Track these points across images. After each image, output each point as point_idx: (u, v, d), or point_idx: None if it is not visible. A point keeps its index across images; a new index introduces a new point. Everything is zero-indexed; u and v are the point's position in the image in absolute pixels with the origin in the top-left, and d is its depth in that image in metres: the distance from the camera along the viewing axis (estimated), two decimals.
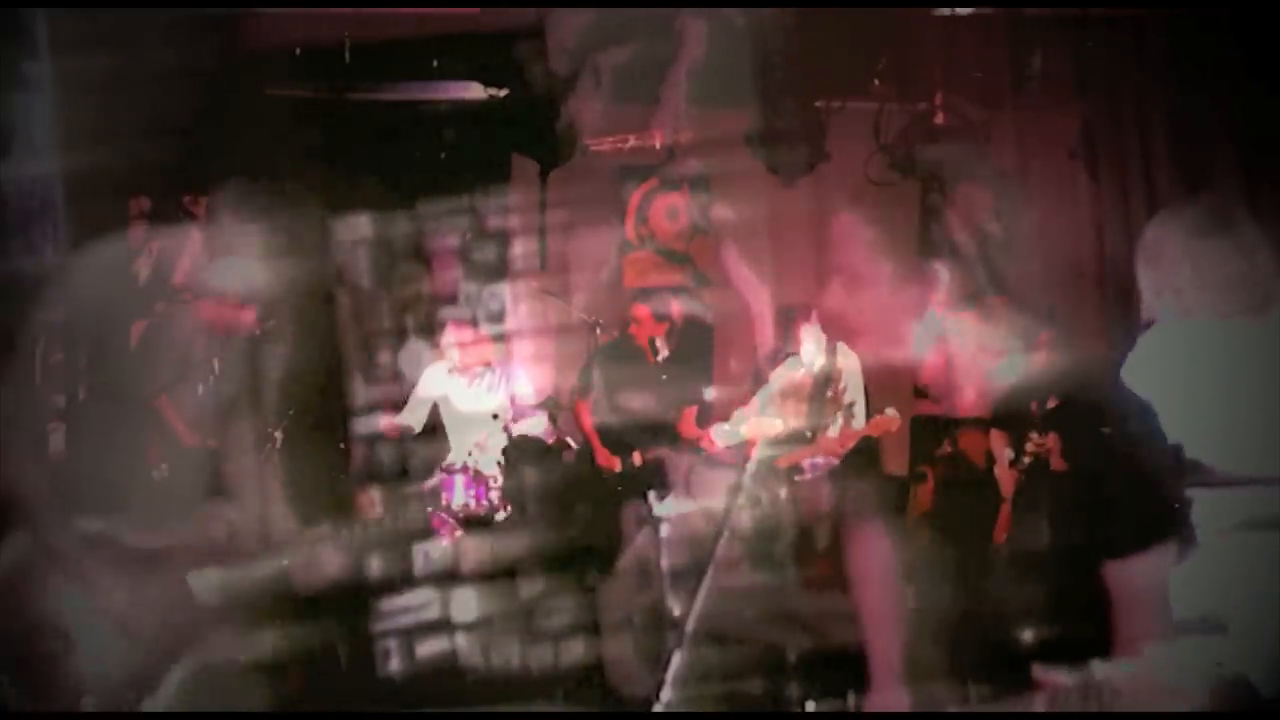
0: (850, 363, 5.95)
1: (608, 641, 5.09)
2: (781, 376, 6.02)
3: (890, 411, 5.74)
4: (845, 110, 6.88)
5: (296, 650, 2.76)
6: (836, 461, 5.89)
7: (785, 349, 6.17)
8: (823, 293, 1.95)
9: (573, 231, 7.32)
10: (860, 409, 5.93)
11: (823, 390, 5.94)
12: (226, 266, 2.56)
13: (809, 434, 5.86)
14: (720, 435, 5.95)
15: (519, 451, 6.00)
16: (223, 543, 2.59)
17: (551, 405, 6.51)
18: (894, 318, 1.96)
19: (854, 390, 5.96)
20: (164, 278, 2.44)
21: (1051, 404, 5.49)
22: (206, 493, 2.67)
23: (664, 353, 6.36)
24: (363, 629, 5.16)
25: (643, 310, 6.55)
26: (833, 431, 5.86)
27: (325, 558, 2.71)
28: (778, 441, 5.76)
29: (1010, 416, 5.85)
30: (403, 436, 6.34)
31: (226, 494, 2.70)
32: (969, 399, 2.02)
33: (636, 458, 6.17)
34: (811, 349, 5.95)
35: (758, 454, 5.60)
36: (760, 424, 5.88)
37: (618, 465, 6.22)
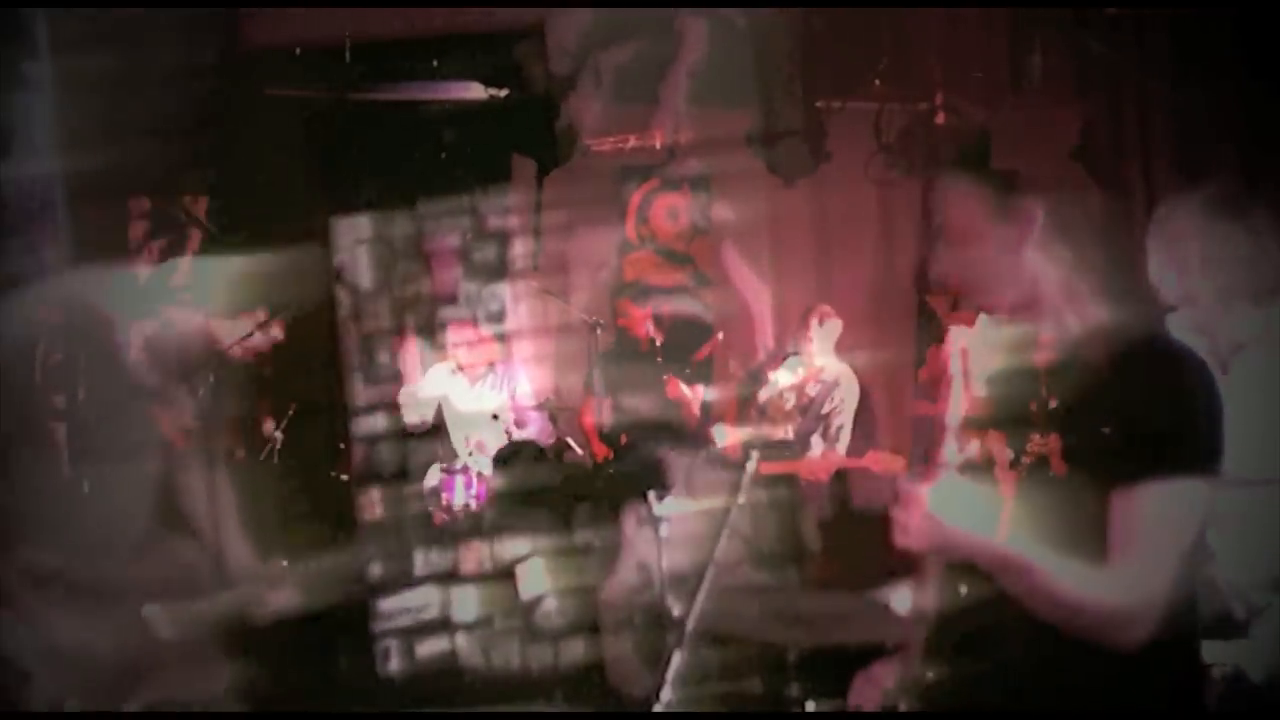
0: (847, 381, 5.92)
1: (608, 641, 5.09)
2: (777, 382, 6.02)
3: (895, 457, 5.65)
4: (845, 110, 6.87)
5: (260, 686, 2.72)
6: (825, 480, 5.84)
7: (788, 349, 6.17)
8: (931, 257, 1.94)
9: (573, 231, 7.32)
10: (846, 433, 5.91)
11: (816, 408, 5.93)
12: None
13: (793, 449, 5.85)
14: (719, 435, 5.96)
15: (513, 455, 6.02)
16: (178, 576, 2.55)
17: (551, 405, 6.52)
18: (1000, 265, 1.96)
19: (845, 412, 5.93)
20: (164, 278, 2.43)
21: (1052, 404, 5.47)
22: (161, 524, 2.62)
23: (658, 339, 6.37)
24: (363, 629, 5.16)
25: (628, 306, 6.59)
26: (814, 452, 5.85)
27: (286, 593, 2.67)
28: (769, 446, 5.76)
29: (1010, 417, 5.83)
30: (416, 431, 6.34)
31: (184, 525, 2.65)
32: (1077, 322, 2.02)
33: (622, 439, 6.17)
34: (817, 350, 5.95)
35: (756, 455, 5.58)
36: (753, 426, 5.88)
37: (611, 454, 6.23)
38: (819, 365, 5.95)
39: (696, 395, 6.16)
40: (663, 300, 6.96)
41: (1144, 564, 1.82)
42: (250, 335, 2.88)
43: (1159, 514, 1.81)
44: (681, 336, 6.66)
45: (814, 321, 5.99)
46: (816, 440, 5.88)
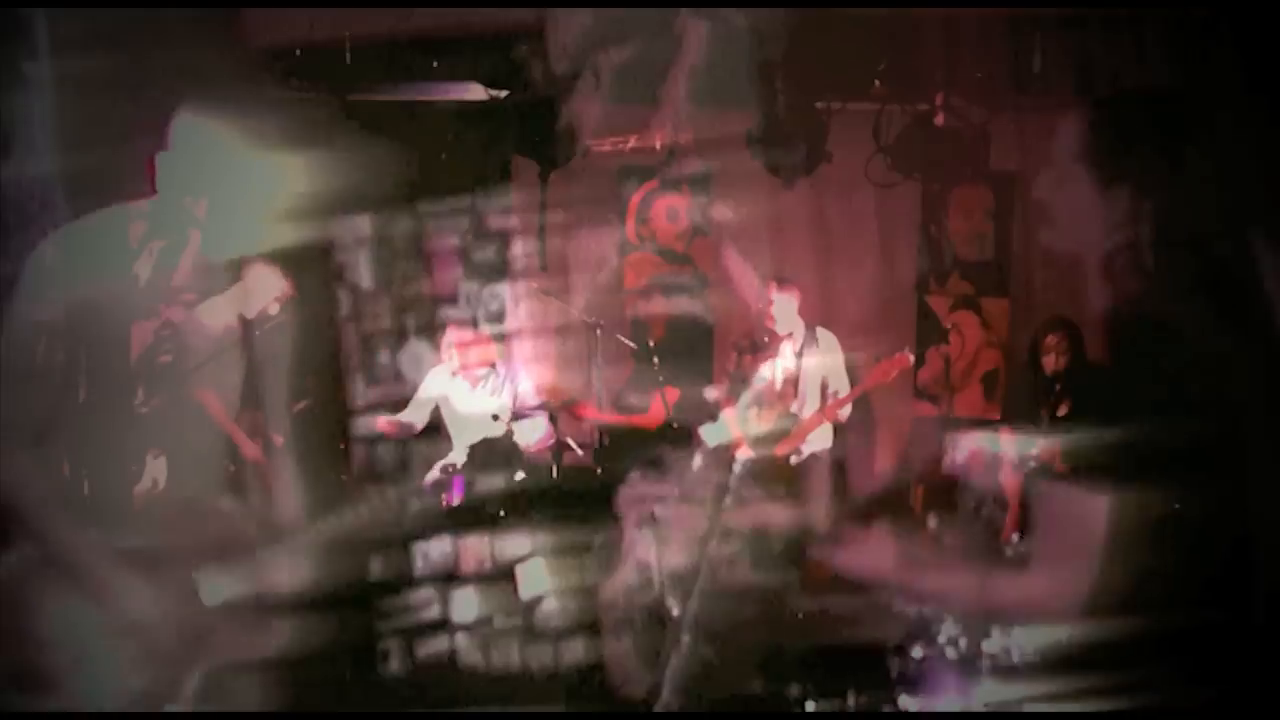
0: (833, 353, 6.02)
1: (608, 641, 5.09)
2: (765, 374, 6.04)
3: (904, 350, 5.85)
4: (845, 110, 6.88)
5: (310, 649, 2.71)
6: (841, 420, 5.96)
7: (760, 336, 6.19)
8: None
9: (573, 232, 7.32)
10: (845, 387, 6.02)
11: (809, 385, 5.99)
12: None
13: (793, 421, 5.92)
14: (708, 435, 5.97)
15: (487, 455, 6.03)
16: (228, 541, 2.53)
17: (551, 406, 6.51)
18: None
19: (835, 371, 6.03)
20: (164, 277, 2.42)
21: (1063, 411, 5.49)
22: (212, 490, 2.61)
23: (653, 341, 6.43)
24: (363, 629, 5.16)
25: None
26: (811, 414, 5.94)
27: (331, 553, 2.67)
28: (764, 438, 5.80)
29: (1018, 420, 5.87)
30: (402, 436, 6.34)
31: (234, 490, 2.65)
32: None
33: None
34: (780, 321, 6.02)
35: (741, 454, 5.62)
36: (742, 423, 5.92)
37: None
38: (785, 333, 6.02)
39: (664, 400, 6.21)
40: (662, 300, 6.96)
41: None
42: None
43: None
44: (685, 350, 6.68)
45: (771, 294, 6.08)
46: (814, 405, 5.98)
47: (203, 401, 2.54)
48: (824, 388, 6.03)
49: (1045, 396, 5.49)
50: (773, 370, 6.00)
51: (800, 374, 6.01)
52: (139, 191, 2.61)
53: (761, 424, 5.88)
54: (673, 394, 6.29)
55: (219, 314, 2.54)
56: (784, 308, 6.08)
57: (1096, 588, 1.74)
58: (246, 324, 2.74)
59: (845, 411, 6.04)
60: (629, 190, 7.55)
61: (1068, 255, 2.00)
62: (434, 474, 6.03)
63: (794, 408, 5.99)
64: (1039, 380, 5.64)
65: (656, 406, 6.32)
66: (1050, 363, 5.66)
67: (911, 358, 6.06)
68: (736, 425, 5.95)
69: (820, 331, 6.11)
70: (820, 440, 6.07)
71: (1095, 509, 1.75)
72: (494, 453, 6.06)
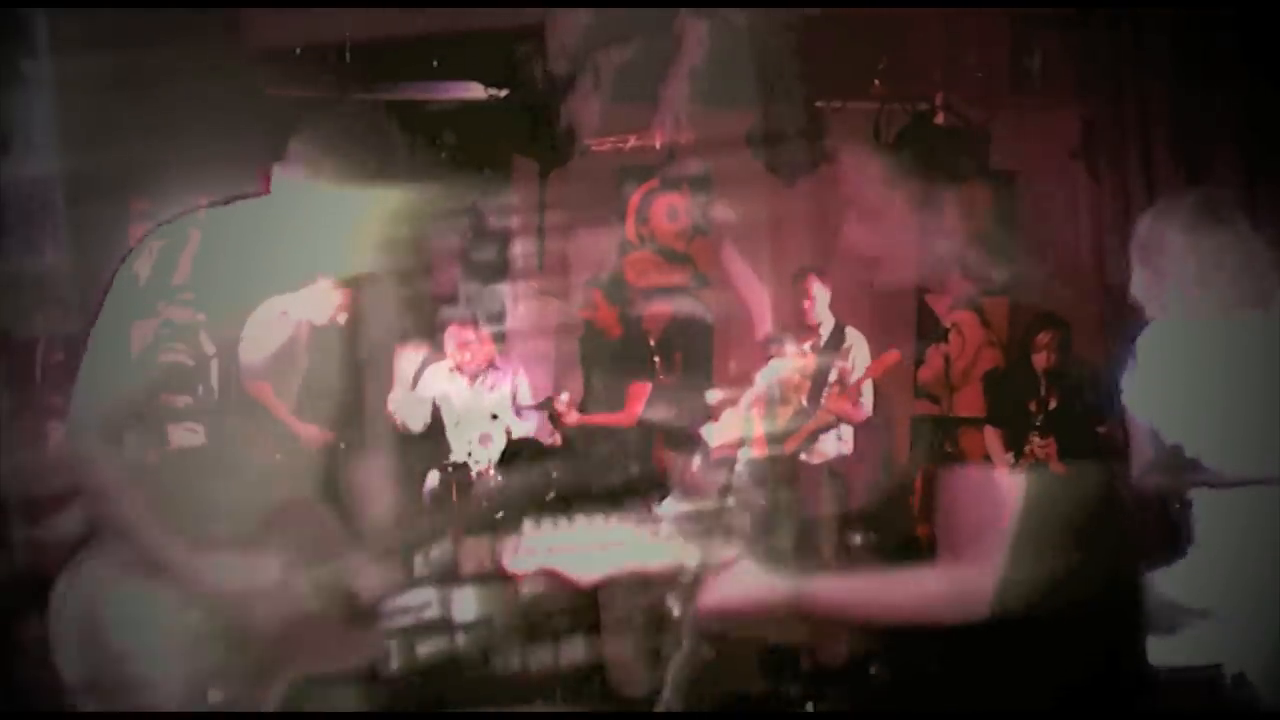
0: (859, 345, 6.03)
1: (608, 641, 5.08)
2: (775, 370, 6.02)
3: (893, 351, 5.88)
4: (845, 110, 6.88)
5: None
6: (859, 420, 5.96)
7: (781, 336, 6.18)
8: (842, 227, 1.98)
9: (573, 231, 7.32)
10: (869, 390, 6.01)
11: (825, 374, 5.99)
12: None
13: (807, 413, 5.92)
14: (709, 435, 5.95)
15: (515, 453, 6.02)
16: (319, 543, 2.46)
17: (551, 405, 6.52)
18: (906, 246, 1.98)
19: (860, 368, 6.03)
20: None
21: (1053, 404, 5.52)
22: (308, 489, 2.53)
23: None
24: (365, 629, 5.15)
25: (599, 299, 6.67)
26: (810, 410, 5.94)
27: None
28: (775, 436, 5.77)
29: (1010, 417, 5.86)
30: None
31: (329, 491, 2.57)
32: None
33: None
34: (819, 312, 6.04)
35: (744, 454, 5.58)
36: (742, 423, 5.89)
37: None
38: (818, 324, 6.05)
39: (640, 395, 6.22)
40: (661, 300, 6.96)
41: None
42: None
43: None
44: (684, 350, 6.68)
45: (810, 287, 6.10)
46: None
47: (256, 394, 2.49)
48: (848, 386, 6.02)
49: (1036, 392, 5.54)
50: (791, 366, 6.00)
51: (820, 370, 6.01)
52: (139, 191, 2.60)
53: (775, 421, 5.86)
54: (642, 391, 6.27)
55: (265, 339, 2.48)
56: (821, 300, 6.09)
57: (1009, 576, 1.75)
58: (311, 329, 2.69)
59: (860, 410, 6.01)
60: (629, 190, 7.54)
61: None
62: (433, 480, 6.02)
63: (806, 403, 5.98)
64: (1030, 377, 5.67)
65: (632, 404, 6.30)
66: (1041, 360, 5.70)
67: (898, 354, 6.05)
68: (738, 424, 5.93)
69: (850, 330, 6.11)
70: (838, 443, 6.06)
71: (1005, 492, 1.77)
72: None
